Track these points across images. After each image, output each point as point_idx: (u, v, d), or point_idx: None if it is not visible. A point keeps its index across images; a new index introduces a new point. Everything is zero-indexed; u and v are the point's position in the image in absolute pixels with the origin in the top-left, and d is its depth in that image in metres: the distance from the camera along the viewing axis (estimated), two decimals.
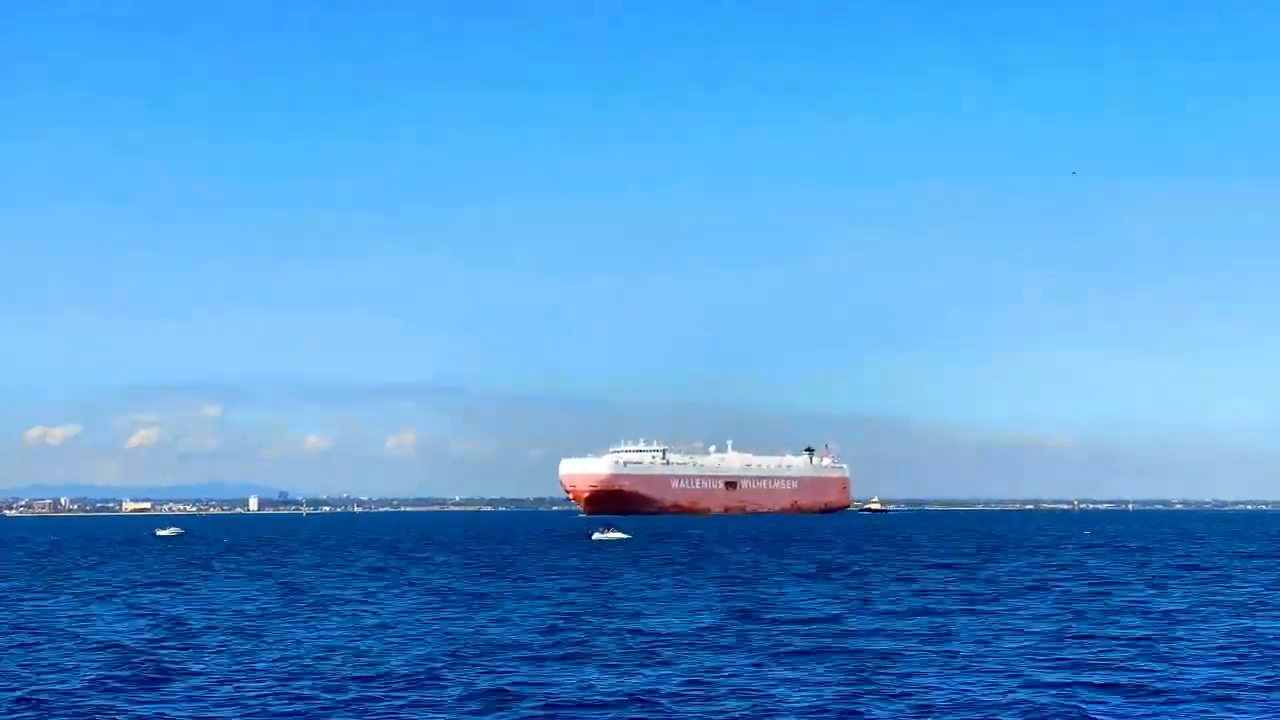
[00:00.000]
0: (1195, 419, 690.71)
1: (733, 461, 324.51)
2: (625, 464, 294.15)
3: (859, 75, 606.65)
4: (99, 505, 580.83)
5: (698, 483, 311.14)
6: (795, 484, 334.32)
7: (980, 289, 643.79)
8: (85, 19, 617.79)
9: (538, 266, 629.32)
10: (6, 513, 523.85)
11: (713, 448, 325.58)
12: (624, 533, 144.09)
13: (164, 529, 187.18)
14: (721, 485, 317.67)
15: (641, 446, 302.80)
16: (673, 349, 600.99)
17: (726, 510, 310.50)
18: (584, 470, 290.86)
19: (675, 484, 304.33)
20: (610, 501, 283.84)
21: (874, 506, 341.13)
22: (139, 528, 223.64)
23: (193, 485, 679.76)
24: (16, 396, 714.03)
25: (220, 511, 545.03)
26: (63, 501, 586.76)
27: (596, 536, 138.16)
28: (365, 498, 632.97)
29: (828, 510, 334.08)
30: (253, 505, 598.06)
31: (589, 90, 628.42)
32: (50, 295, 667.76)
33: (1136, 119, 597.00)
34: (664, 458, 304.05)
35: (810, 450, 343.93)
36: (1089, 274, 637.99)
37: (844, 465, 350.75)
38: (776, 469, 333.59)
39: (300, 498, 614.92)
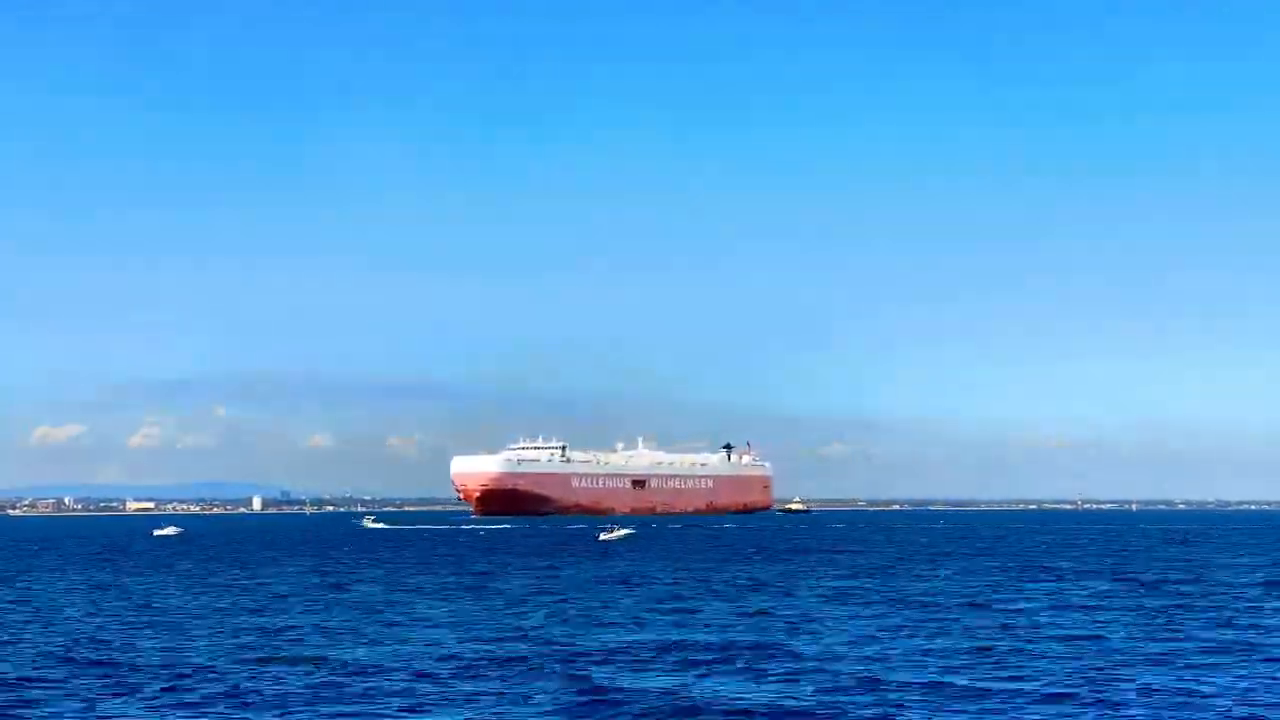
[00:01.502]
0: (1198, 419, 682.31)
1: (641, 459, 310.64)
2: (520, 461, 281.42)
3: (839, 75, 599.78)
4: (102, 505, 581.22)
5: (601, 481, 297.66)
6: (711, 483, 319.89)
7: (986, 289, 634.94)
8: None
9: (525, 268, 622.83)
10: (10, 512, 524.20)
11: (620, 444, 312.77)
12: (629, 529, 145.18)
13: (162, 529, 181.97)
14: (628, 484, 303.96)
15: (540, 443, 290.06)
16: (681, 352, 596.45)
17: (634, 511, 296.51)
18: (475, 469, 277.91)
19: (576, 483, 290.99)
20: (504, 501, 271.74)
21: (795, 507, 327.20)
22: (141, 528, 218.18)
23: (196, 484, 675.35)
24: (21, 396, 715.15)
25: (223, 511, 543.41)
26: (66, 501, 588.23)
27: (603, 537, 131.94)
28: (368, 497, 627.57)
29: (748, 510, 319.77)
30: (256, 505, 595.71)
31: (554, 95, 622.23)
32: (54, 296, 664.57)
33: (1136, 120, 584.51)
34: (564, 455, 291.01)
35: (729, 447, 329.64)
36: (1090, 275, 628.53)
37: (766, 463, 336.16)
38: (690, 467, 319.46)
39: (303, 497, 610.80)
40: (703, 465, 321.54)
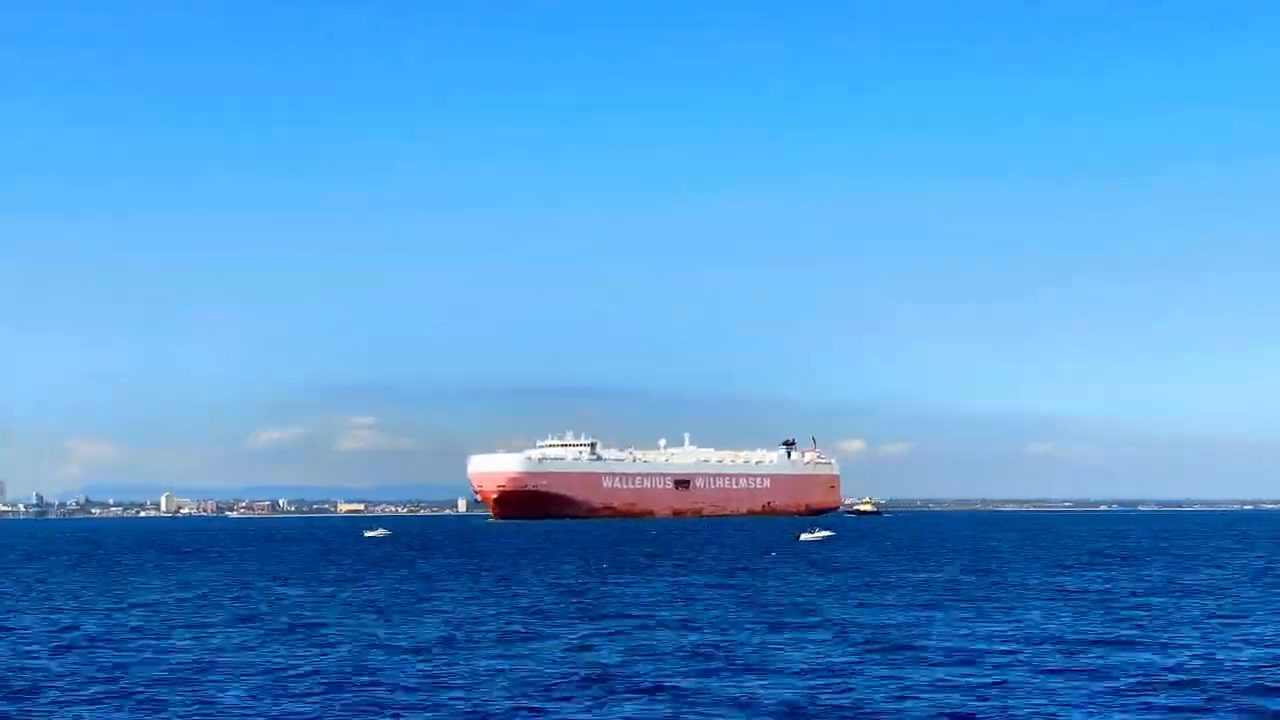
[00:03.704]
0: None
1: (686, 457, 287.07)
2: (541, 460, 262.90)
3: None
4: (314, 506, 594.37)
5: (638, 481, 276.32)
6: (768, 483, 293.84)
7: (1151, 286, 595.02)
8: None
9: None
10: (229, 514, 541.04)
11: (662, 441, 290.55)
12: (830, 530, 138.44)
13: (371, 530, 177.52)
14: (670, 484, 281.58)
15: (568, 440, 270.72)
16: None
17: (676, 513, 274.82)
18: (492, 468, 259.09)
19: (608, 483, 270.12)
20: (524, 504, 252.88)
21: (864, 508, 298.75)
22: (352, 529, 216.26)
23: (403, 486, 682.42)
24: (241, 401, 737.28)
25: (430, 513, 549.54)
26: (281, 503, 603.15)
27: (804, 537, 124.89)
28: None
29: (811, 512, 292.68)
30: (461, 506, 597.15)
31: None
32: (271, 305, 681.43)
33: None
34: (594, 453, 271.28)
35: (789, 444, 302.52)
36: (1263, 268, 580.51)
37: (832, 461, 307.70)
38: (743, 466, 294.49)
39: None
40: (757, 463, 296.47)
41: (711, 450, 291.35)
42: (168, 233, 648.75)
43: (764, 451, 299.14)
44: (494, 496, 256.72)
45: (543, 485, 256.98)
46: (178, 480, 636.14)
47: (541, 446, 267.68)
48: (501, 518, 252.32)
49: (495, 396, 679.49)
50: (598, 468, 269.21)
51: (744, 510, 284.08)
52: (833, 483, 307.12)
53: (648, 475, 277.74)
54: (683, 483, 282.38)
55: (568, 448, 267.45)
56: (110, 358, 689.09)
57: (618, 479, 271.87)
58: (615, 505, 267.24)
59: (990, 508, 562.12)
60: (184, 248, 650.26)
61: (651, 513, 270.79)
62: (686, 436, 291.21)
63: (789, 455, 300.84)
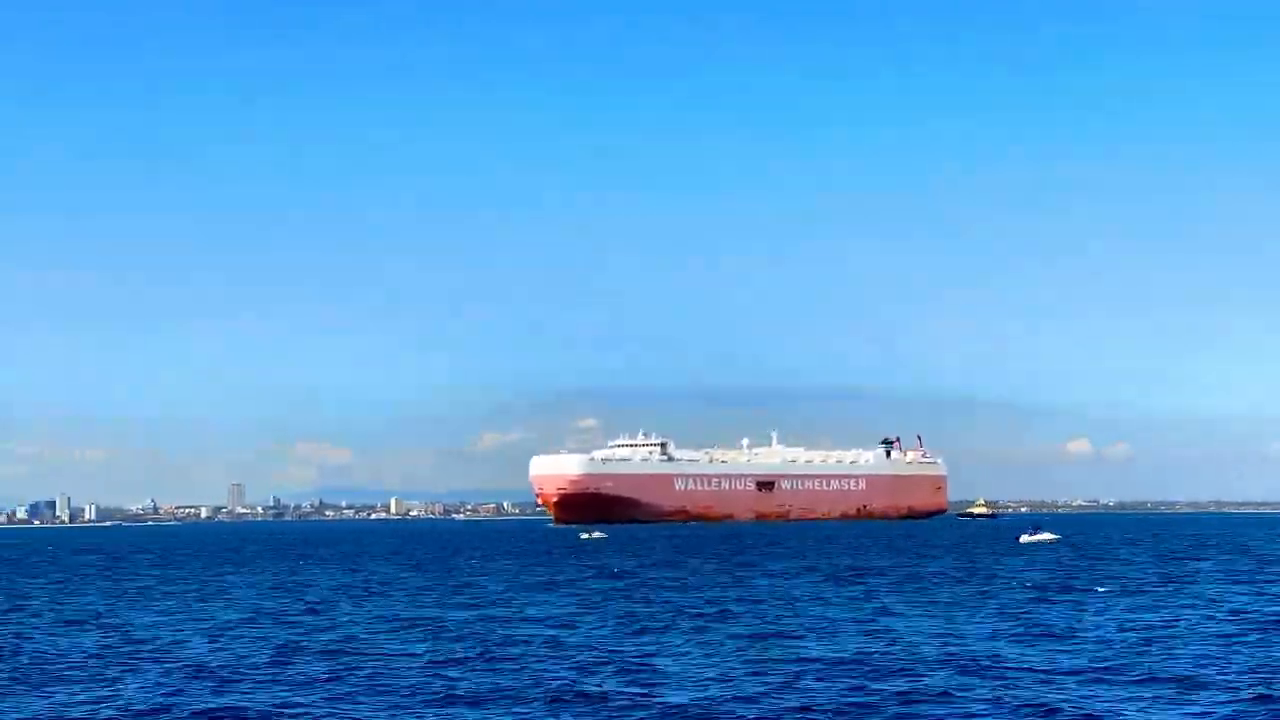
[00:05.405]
0: None
1: (770, 458, 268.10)
2: (605, 461, 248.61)
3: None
4: (537, 510, 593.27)
5: (715, 483, 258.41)
6: (863, 484, 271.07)
7: None
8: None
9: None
10: (455, 516, 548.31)
11: (745, 441, 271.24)
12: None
13: (587, 533, 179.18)
14: (752, 486, 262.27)
15: (637, 440, 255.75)
16: None
17: (759, 517, 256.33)
18: (553, 469, 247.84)
19: (679, 484, 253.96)
20: (587, 506, 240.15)
21: (978, 510, 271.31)
22: (568, 531, 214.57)
23: None
24: (471, 404, 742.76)
25: None
26: (505, 506, 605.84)
27: (1024, 539, 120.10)
28: None
29: (913, 515, 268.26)
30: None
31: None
32: (493, 301, 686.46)
33: None
34: (664, 453, 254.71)
35: (889, 443, 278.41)
36: None
37: (938, 460, 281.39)
38: (835, 466, 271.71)
39: None
40: (851, 463, 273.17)
41: (801, 450, 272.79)
42: (389, 237, 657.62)
43: (859, 451, 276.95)
44: (555, 499, 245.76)
45: (607, 487, 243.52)
46: (404, 483, 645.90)
47: (611, 446, 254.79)
48: (562, 522, 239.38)
49: (705, 399, 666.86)
50: (669, 469, 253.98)
51: (836, 513, 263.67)
52: (939, 484, 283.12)
53: (726, 476, 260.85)
54: (766, 484, 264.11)
55: (636, 448, 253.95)
56: (338, 364, 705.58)
57: (692, 480, 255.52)
58: (689, 508, 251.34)
59: (1225, 509, 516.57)
60: (407, 252, 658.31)
61: (731, 516, 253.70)
62: (774, 435, 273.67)
63: (888, 455, 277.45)
